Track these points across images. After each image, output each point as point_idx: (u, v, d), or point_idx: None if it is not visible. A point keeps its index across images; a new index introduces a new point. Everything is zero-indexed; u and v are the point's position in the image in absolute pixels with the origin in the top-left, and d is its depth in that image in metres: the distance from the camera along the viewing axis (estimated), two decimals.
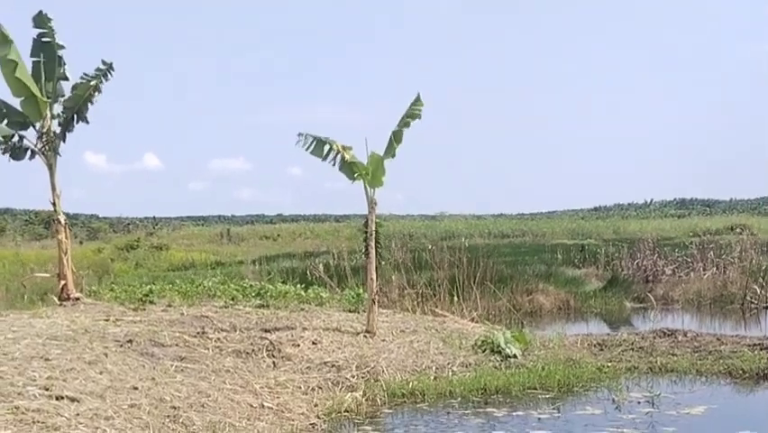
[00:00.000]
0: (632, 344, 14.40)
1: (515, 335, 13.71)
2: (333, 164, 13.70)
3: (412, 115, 13.38)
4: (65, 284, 15.29)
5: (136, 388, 9.13)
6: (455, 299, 18.24)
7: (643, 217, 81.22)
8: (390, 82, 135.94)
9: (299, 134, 13.66)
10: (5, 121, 15.53)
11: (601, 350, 14.01)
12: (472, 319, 16.60)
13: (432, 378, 11.74)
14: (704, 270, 25.05)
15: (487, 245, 33.50)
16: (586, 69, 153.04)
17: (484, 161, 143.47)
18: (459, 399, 10.94)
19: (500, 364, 12.60)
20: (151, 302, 15.18)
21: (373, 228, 13.66)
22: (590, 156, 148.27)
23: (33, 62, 15.33)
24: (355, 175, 13.56)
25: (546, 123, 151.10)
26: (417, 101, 13.41)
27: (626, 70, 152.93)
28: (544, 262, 28.04)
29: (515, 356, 12.94)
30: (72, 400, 8.19)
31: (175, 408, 8.79)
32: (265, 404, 9.80)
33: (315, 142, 13.60)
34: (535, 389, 11.36)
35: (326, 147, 13.58)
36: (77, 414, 7.77)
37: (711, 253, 26.02)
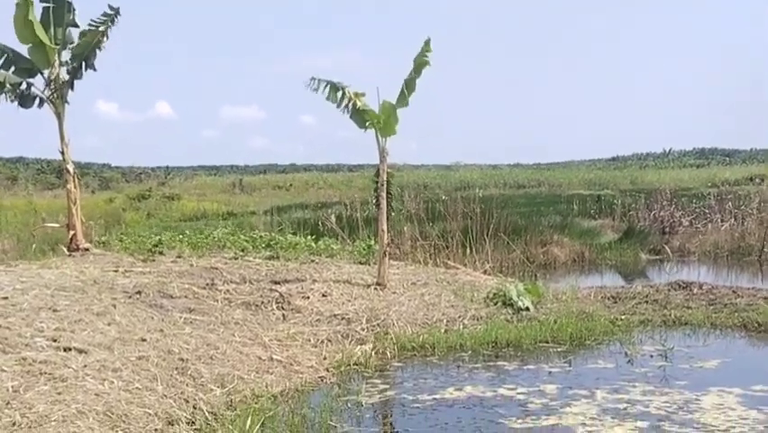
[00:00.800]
0: (646, 296, 14.23)
1: (527, 287, 13.56)
2: (345, 112, 13.45)
3: (422, 62, 13.06)
4: (74, 234, 15.24)
5: (144, 340, 9.07)
6: (468, 250, 18.09)
7: (661, 168, 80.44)
8: (406, 28, 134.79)
9: (312, 78, 13.39)
10: (13, 68, 15.36)
11: (615, 303, 13.85)
12: (485, 272, 16.46)
13: (442, 331, 11.64)
14: (722, 221, 24.77)
15: (502, 196, 33.21)
16: (606, 19, 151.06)
17: (501, 110, 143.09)
18: (469, 352, 10.85)
19: (512, 317, 12.47)
20: (161, 253, 15.13)
21: (385, 178, 13.45)
22: (609, 105, 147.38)
23: (43, 8, 15.10)
24: (367, 123, 13.32)
25: (565, 71, 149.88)
26: (426, 47, 13.06)
27: (645, 19, 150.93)
28: (559, 213, 27.75)
29: (527, 309, 12.80)
30: (80, 351, 8.14)
31: (183, 360, 8.73)
32: (274, 357, 9.73)
33: (328, 87, 13.33)
34: (547, 342, 11.25)
35: (339, 93, 13.32)
36: (85, 366, 7.71)
37: (729, 203, 25.68)
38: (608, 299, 14.13)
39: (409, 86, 13.17)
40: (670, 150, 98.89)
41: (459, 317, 12.34)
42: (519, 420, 7.95)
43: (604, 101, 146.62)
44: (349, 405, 8.45)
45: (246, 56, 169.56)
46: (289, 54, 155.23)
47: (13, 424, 6.01)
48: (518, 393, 8.92)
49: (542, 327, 11.73)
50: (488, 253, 18.29)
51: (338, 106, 13.36)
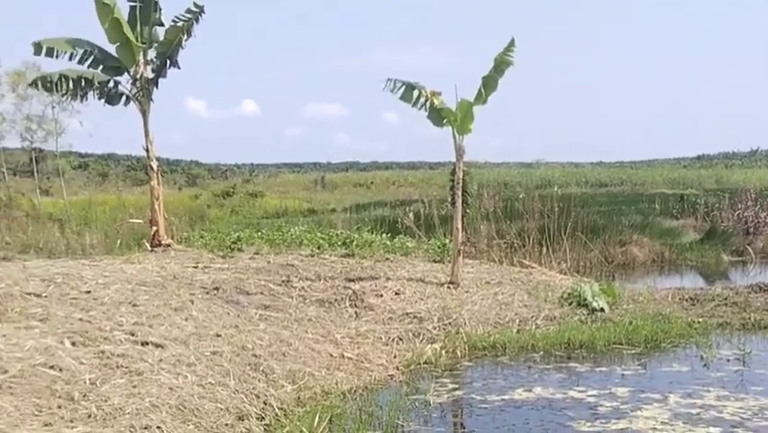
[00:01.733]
0: (726, 299, 13.89)
1: (603, 288, 13.40)
2: (423, 110, 13.48)
3: (505, 61, 13.01)
4: (156, 230, 15.69)
5: (219, 335, 9.30)
6: (544, 250, 17.92)
7: (748, 167, 77.89)
8: (489, 24, 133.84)
9: (388, 80, 13.45)
10: (101, 67, 15.88)
11: (693, 305, 13.57)
12: (561, 271, 16.31)
13: (514, 331, 11.60)
14: None
15: (582, 194, 32.79)
16: (690, 15, 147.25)
17: (585, 107, 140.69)
18: (541, 353, 10.79)
19: (586, 318, 12.34)
20: (240, 250, 15.43)
21: (461, 176, 13.45)
22: (695, 102, 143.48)
23: (130, 7, 15.58)
24: (443, 121, 13.33)
25: (649, 67, 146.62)
26: (511, 46, 13.01)
27: (731, 14, 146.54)
28: (640, 212, 27.23)
29: (602, 310, 12.66)
30: (156, 345, 8.38)
31: (256, 356, 8.92)
32: (345, 354, 9.86)
33: (404, 88, 13.39)
34: (621, 344, 11.10)
35: (415, 92, 13.35)
36: (161, 360, 7.94)
37: None
38: (686, 300, 13.85)
39: (489, 84, 13.12)
40: (758, 149, 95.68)
41: (532, 317, 12.28)
42: (588, 423, 7.88)
43: (690, 98, 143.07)
44: (417, 404, 8.50)
45: (331, 53, 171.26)
46: (374, 51, 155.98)
47: (89, 416, 6.25)
48: (589, 396, 8.83)
49: (616, 329, 11.58)
50: (565, 252, 18.10)
51: (414, 105, 13.40)
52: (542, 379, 9.63)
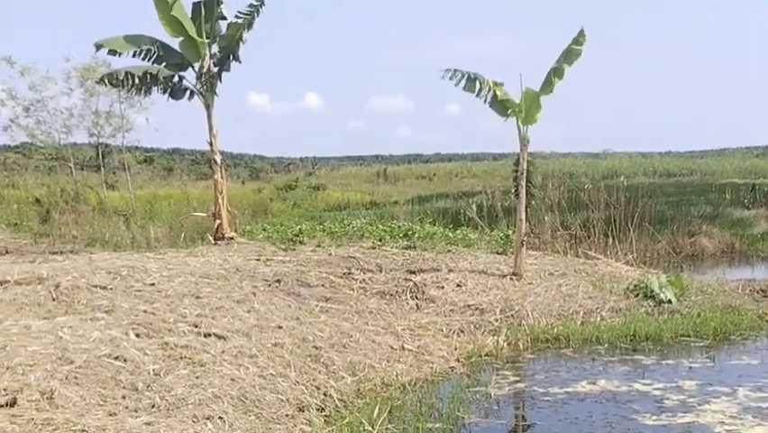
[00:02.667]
0: None
1: (670, 279, 13.10)
2: (485, 101, 13.35)
3: (574, 51, 12.83)
4: (220, 224, 15.87)
5: (281, 327, 9.36)
6: (610, 241, 17.62)
7: None
8: (553, 12, 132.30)
9: (447, 70, 13.34)
10: (165, 62, 16.11)
11: (765, 297, 13.18)
12: (627, 262, 15.99)
13: (578, 323, 11.44)
14: None
15: (650, 184, 32.09)
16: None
17: (652, 96, 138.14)
18: (606, 345, 10.62)
19: (653, 310, 12.09)
20: (302, 242, 15.52)
21: (525, 167, 13.30)
22: (766, 89, 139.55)
23: (194, 3, 15.77)
24: (508, 112, 13.19)
25: (719, 54, 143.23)
26: (580, 36, 12.82)
27: None
28: (710, 202, 26.64)
29: (669, 302, 12.38)
30: (219, 337, 8.47)
31: (317, 347, 8.95)
32: (405, 346, 9.83)
33: (465, 78, 13.27)
34: (689, 336, 10.87)
35: (477, 83, 13.23)
36: (223, 351, 8.02)
37: None
38: (758, 292, 13.45)
39: (557, 74, 12.95)
40: None
41: (596, 308, 12.08)
42: (654, 417, 7.73)
43: (761, 85, 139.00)
44: (478, 396, 8.44)
45: (394, 46, 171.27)
46: (437, 43, 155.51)
47: (153, 406, 6.34)
48: (655, 389, 8.68)
49: (684, 321, 11.35)
50: (631, 243, 17.73)
51: (477, 96, 13.28)
52: (606, 371, 9.49)
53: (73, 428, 5.35)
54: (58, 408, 5.88)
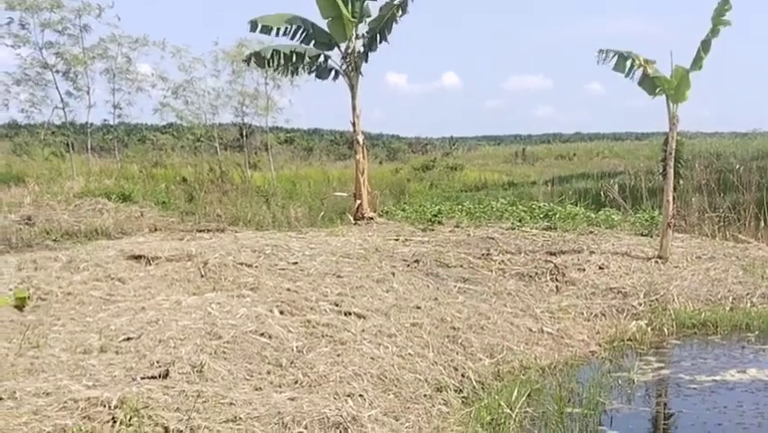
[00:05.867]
0: None
1: None
2: (633, 79, 13.04)
3: (719, 21, 12.28)
4: (360, 204, 16.10)
5: (419, 307, 9.41)
6: (762, 224, 16.79)
7: None
8: None
9: (600, 51, 13.10)
10: (313, 42, 16.44)
11: None
12: None
13: (727, 309, 10.98)
14: None
15: None
16: None
17: None
18: (756, 332, 10.15)
19: None
20: (440, 223, 15.55)
21: (673, 147, 12.86)
22: None
23: None
24: (657, 90, 12.81)
25: None
26: (725, 4, 12.26)
27: None
28: None
29: None
30: (359, 316, 8.62)
31: (455, 328, 8.95)
32: (545, 329, 9.70)
33: (616, 57, 12.99)
34: None
35: (628, 62, 12.92)
36: (363, 330, 8.14)
37: None
38: None
39: (705, 48, 12.47)
40: None
41: (747, 294, 11.56)
42: None
43: None
44: (620, 382, 8.23)
45: (533, 25, 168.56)
46: (576, 21, 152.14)
47: (296, 382, 6.50)
48: None
49: None
50: None
51: (626, 75, 13.00)
52: (757, 360, 9.08)
53: (222, 401, 5.55)
54: (207, 381, 6.12)
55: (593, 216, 16.12)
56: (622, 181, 23.66)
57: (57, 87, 24.45)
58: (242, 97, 27.21)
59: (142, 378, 5.93)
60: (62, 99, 24.58)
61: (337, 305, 8.86)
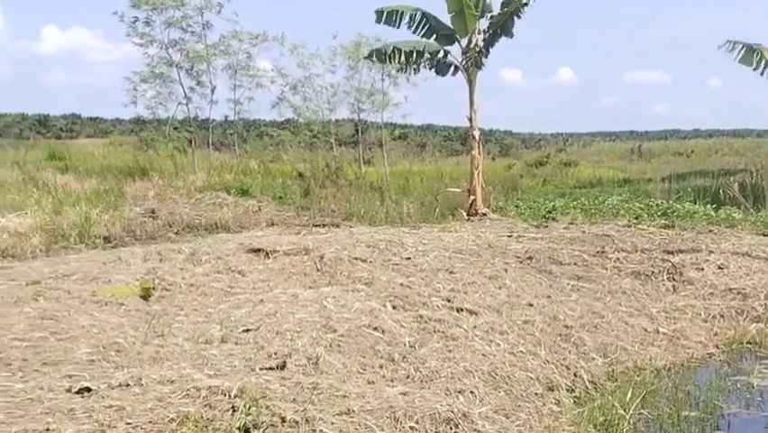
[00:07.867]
0: None
1: None
2: (762, 73, 12.65)
3: None
4: (474, 199, 16.12)
5: (531, 304, 9.41)
6: None
7: None
8: None
9: (728, 41, 12.79)
10: (434, 36, 16.53)
11: None
12: None
13: None
14: None
15: None
16: None
17: None
18: None
19: None
20: (554, 219, 15.41)
21: None
22: None
23: None
24: None
25: None
26: None
27: None
28: None
29: None
30: (471, 312, 8.68)
31: (567, 327, 8.89)
32: (660, 329, 9.51)
33: (744, 50, 12.63)
34: None
35: (756, 55, 12.54)
36: (475, 326, 8.20)
37: None
38: None
39: None
40: None
41: None
42: None
43: None
44: (739, 386, 8.01)
45: (651, 21, 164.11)
46: (693, 17, 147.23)
47: (407, 377, 6.62)
48: None
49: None
50: None
51: (754, 69, 12.61)
52: None
53: (336, 393, 5.69)
54: (322, 373, 6.30)
55: (713, 214, 15.65)
56: (743, 179, 22.84)
57: (181, 84, 25.29)
58: (358, 94, 27.45)
59: (261, 369, 6.16)
60: (186, 95, 25.40)
61: (449, 301, 8.95)
